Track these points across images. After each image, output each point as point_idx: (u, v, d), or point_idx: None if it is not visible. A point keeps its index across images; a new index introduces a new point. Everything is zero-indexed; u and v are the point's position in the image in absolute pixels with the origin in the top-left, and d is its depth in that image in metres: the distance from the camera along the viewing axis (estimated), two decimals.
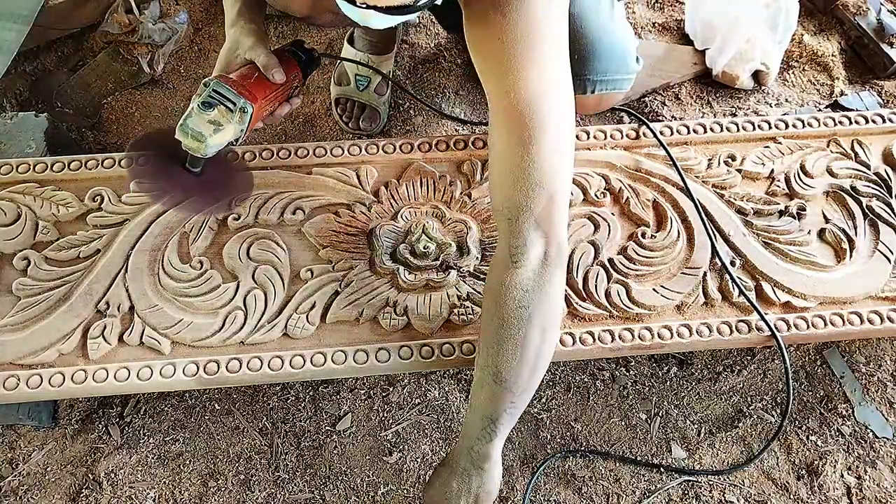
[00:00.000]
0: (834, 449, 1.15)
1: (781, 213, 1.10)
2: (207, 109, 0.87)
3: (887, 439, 1.16)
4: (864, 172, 1.14)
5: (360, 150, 1.14)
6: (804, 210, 1.10)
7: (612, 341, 0.99)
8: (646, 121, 1.16)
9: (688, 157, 1.14)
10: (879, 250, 1.07)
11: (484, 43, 0.89)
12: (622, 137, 1.16)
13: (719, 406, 1.19)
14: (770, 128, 1.18)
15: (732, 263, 1.05)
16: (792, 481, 1.12)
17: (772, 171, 1.14)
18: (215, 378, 0.95)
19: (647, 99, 1.50)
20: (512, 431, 1.16)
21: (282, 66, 0.96)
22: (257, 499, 1.10)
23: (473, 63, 0.94)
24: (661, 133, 1.16)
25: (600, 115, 1.41)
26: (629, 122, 1.21)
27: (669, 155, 1.11)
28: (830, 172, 1.14)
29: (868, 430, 1.17)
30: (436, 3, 0.80)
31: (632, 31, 1.31)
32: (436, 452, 1.15)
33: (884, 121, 1.19)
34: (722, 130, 1.17)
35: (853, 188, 1.12)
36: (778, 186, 1.12)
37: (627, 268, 1.04)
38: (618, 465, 1.14)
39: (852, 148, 1.17)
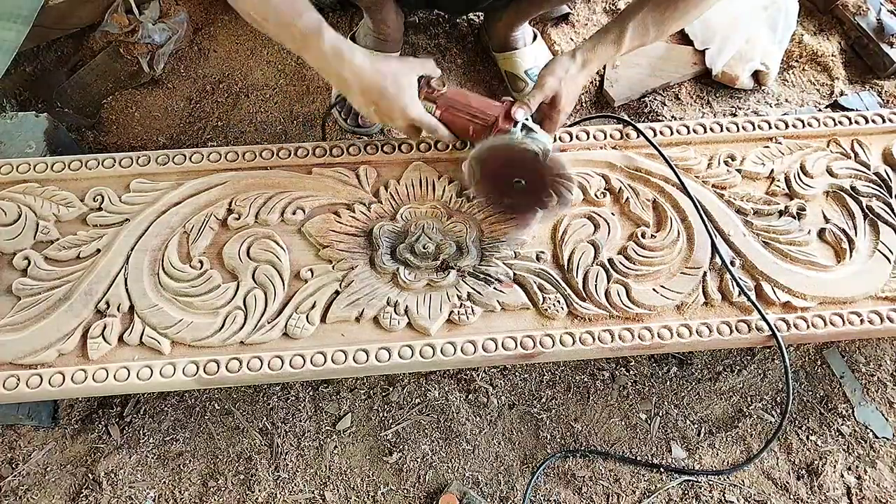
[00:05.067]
0: (834, 449, 1.15)
1: (781, 213, 1.10)
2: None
3: (887, 439, 1.16)
4: (864, 172, 1.14)
5: (360, 150, 1.14)
6: (804, 210, 1.10)
7: (612, 341, 0.99)
8: (634, 123, 1.15)
9: (687, 157, 1.14)
10: (879, 250, 1.07)
11: None
12: (622, 138, 1.16)
13: (719, 406, 1.19)
14: (770, 128, 1.18)
15: (732, 263, 1.05)
16: (792, 481, 1.12)
17: (772, 171, 1.14)
18: (215, 378, 0.95)
19: (647, 99, 1.50)
20: (512, 431, 1.16)
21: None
22: (257, 499, 1.10)
23: None
24: (661, 133, 1.16)
25: (600, 116, 1.41)
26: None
27: (662, 154, 1.11)
28: (830, 172, 1.14)
29: (868, 430, 1.17)
30: None
31: None
32: (436, 452, 1.15)
33: (884, 121, 1.19)
34: (722, 130, 1.17)
35: (853, 188, 1.12)
36: (778, 186, 1.12)
37: (627, 268, 1.04)
38: (618, 465, 1.14)
39: (852, 148, 1.17)
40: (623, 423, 1.18)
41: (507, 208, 1.07)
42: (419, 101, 1.02)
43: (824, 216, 1.10)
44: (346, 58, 0.94)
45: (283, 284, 1.01)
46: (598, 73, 1.53)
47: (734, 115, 1.49)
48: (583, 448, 1.15)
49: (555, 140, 1.14)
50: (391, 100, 0.98)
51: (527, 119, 1.02)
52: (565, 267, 1.04)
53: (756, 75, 1.50)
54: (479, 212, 1.08)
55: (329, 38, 0.93)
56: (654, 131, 1.16)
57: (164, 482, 1.12)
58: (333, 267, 1.03)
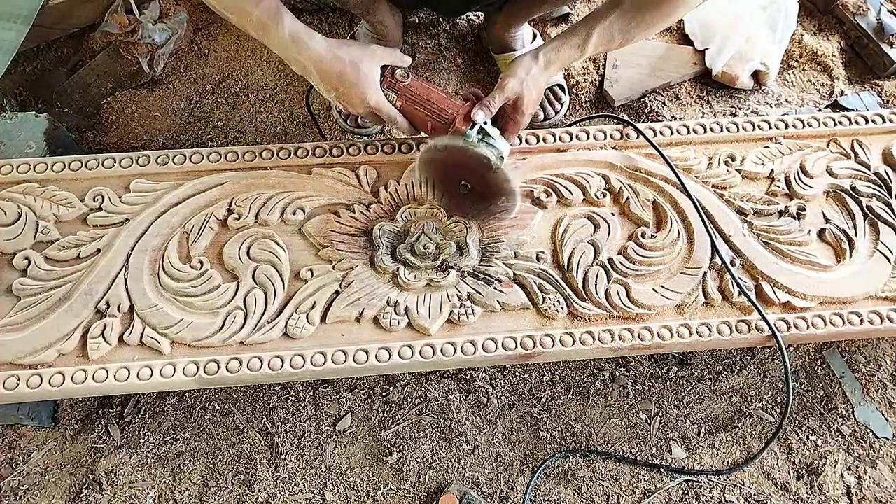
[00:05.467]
0: (834, 449, 1.15)
1: (781, 213, 1.10)
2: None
3: (887, 439, 1.16)
4: (864, 172, 1.14)
5: (360, 150, 1.14)
6: (804, 210, 1.10)
7: (612, 341, 0.99)
8: (634, 123, 1.15)
9: (687, 157, 1.14)
10: (879, 250, 1.07)
11: None
12: (622, 138, 1.16)
13: (719, 406, 1.19)
14: (770, 128, 1.18)
15: (732, 263, 1.05)
16: (792, 481, 1.12)
17: (772, 171, 1.14)
18: (215, 378, 0.95)
19: (647, 99, 1.50)
20: (512, 431, 1.16)
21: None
22: (257, 499, 1.10)
23: None
24: (661, 133, 1.16)
25: (601, 116, 1.41)
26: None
27: (662, 154, 1.11)
28: (830, 172, 1.14)
29: (868, 430, 1.17)
30: None
31: None
32: (436, 452, 1.15)
33: (884, 121, 1.19)
34: (722, 130, 1.17)
35: (853, 188, 1.12)
36: (778, 186, 1.12)
37: (627, 268, 1.04)
38: (618, 465, 1.14)
39: (852, 148, 1.17)
40: (623, 423, 1.18)
41: (451, 208, 1.07)
42: (381, 89, 1.02)
43: (824, 216, 1.10)
44: (304, 43, 0.95)
45: (283, 284, 1.01)
46: (597, 72, 1.53)
47: (734, 115, 1.49)
48: (583, 448, 1.15)
49: (520, 143, 1.14)
50: (349, 86, 0.99)
51: (485, 122, 1.01)
52: (565, 267, 1.04)
53: (756, 75, 1.50)
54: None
55: (287, 24, 0.94)
56: (654, 131, 1.16)
57: (164, 482, 1.12)
58: (333, 267, 1.03)
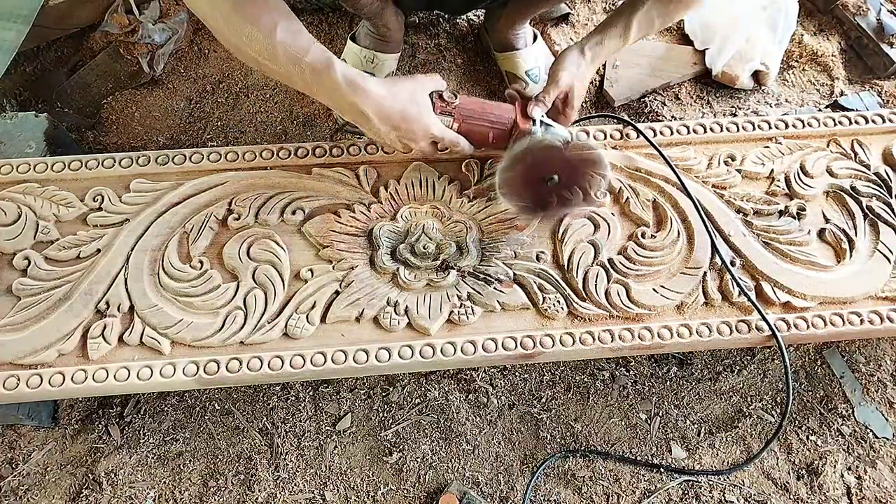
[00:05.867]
0: (834, 449, 1.15)
1: (781, 213, 1.10)
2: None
3: (887, 439, 1.16)
4: (864, 172, 1.14)
5: (360, 150, 1.14)
6: (804, 210, 1.10)
7: (612, 341, 0.99)
8: (634, 123, 1.15)
9: (688, 157, 1.14)
10: (879, 250, 1.07)
11: None
12: (622, 138, 1.16)
13: (719, 406, 1.19)
14: (770, 128, 1.18)
15: (732, 263, 1.05)
16: (792, 481, 1.12)
17: (772, 171, 1.14)
18: (215, 378, 0.95)
19: (647, 99, 1.50)
20: (512, 431, 1.16)
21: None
22: (257, 499, 1.10)
23: None
24: (661, 133, 1.16)
25: (601, 116, 1.41)
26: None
27: (662, 154, 1.11)
28: (830, 172, 1.14)
29: (868, 430, 1.17)
30: None
31: None
32: (436, 452, 1.15)
33: (884, 121, 1.19)
34: (722, 130, 1.17)
35: (853, 188, 1.12)
36: (778, 186, 1.12)
37: (627, 268, 1.04)
38: (618, 465, 1.14)
39: (852, 148, 1.17)
40: (623, 423, 1.18)
41: (545, 212, 1.05)
42: (436, 116, 1.01)
43: (824, 216, 1.10)
44: (360, 87, 0.92)
45: (283, 284, 1.01)
46: (597, 72, 1.53)
47: (734, 115, 1.49)
48: (583, 448, 1.15)
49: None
50: (412, 122, 0.96)
51: (543, 115, 1.02)
52: (565, 267, 1.04)
53: (756, 75, 1.50)
54: (478, 212, 1.08)
55: (340, 69, 0.91)
56: (654, 131, 1.16)
57: (164, 482, 1.12)
58: (333, 267, 1.03)
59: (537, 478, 1.12)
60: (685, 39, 1.58)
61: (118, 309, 0.99)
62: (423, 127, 0.97)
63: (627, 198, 1.10)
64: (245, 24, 0.87)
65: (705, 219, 1.06)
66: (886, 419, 1.17)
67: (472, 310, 1.00)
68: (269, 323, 0.99)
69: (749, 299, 1.00)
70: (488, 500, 1.11)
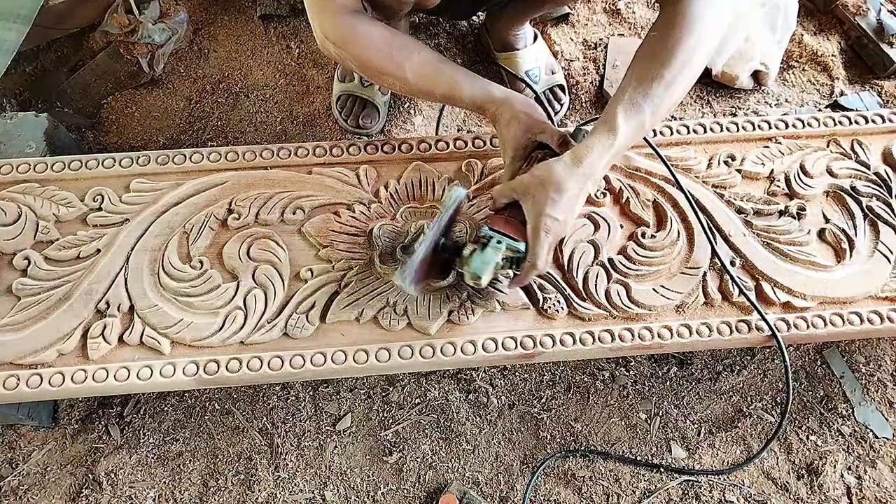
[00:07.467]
0: (834, 449, 1.15)
1: (781, 213, 1.10)
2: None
3: (887, 439, 1.16)
4: (864, 172, 1.14)
5: (360, 150, 1.14)
6: (804, 210, 1.10)
7: (612, 341, 0.99)
8: None
9: (688, 157, 1.14)
10: (879, 250, 1.07)
11: None
12: None
13: (719, 406, 1.19)
14: (770, 128, 1.18)
15: (732, 263, 1.05)
16: (792, 481, 1.12)
17: (772, 171, 1.14)
18: (215, 378, 0.95)
19: None
20: (512, 431, 1.16)
21: None
22: (257, 499, 1.10)
23: None
24: (661, 133, 1.16)
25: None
26: None
27: (658, 154, 1.11)
28: (830, 172, 1.14)
29: (868, 430, 1.17)
30: None
31: None
32: (436, 452, 1.15)
33: (884, 121, 1.19)
34: (722, 130, 1.17)
35: (853, 188, 1.12)
36: (778, 186, 1.12)
37: (627, 268, 1.04)
38: (618, 465, 1.14)
39: (852, 148, 1.17)
40: (623, 423, 1.18)
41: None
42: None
43: (824, 216, 1.10)
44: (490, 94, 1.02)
45: (283, 284, 1.01)
46: (597, 73, 1.53)
47: (734, 115, 1.49)
48: (583, 448, 1.15)
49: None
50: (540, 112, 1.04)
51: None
52: (565, 267, 1.04)
53: (756, 75, 1.50)
54: (478, 212, 1.08)
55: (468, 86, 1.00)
56: (654, 131, 1.16)
57: (164, 482, 1.12)
58: (333, 267, 1.03)
59: (537, 478, 1.12)
60: None
61: (118, 309, 0.99)
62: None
63: (627, 198, 1.10)
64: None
65: (703, 219, 1.06)
66: (886, 419, 1.17)
67: (472, 310, 1.00)
68: (268, 323, 0.99)
69: (749, 299, 1.00)
70: (488, 499, 1.11)
